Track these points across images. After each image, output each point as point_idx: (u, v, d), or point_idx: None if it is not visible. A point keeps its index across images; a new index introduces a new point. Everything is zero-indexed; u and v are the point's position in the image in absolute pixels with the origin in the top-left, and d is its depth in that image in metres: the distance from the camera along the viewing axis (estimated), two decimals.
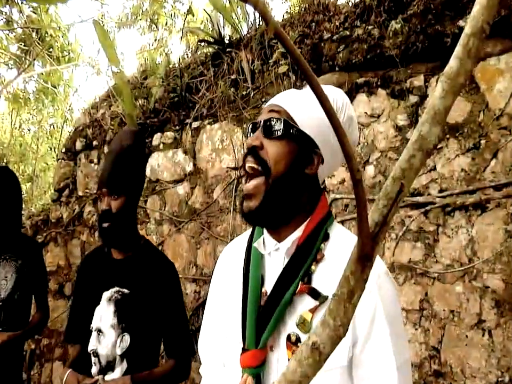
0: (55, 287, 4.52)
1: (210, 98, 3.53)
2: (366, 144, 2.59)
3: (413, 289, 2.36)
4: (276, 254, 1.04)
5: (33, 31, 6.95)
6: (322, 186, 1.10)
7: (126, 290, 1.78)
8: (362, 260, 0.42)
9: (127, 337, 1.74)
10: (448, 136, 2.31)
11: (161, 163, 3.74)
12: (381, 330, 0.91)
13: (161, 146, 3.78)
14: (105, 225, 1.76)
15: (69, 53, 7.73)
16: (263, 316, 0.96)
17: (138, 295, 1.78)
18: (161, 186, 3.73)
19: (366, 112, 2.60)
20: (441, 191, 2.32)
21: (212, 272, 1.22)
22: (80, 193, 4.51)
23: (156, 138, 3.83)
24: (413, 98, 2.44)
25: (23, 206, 2.80)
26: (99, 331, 1.75)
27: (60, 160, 4.88)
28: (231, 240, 3.04)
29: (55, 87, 7.84)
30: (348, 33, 2.78)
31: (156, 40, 6.39)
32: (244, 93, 3.33)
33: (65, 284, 4.52)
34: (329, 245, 1.01)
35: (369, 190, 2.51)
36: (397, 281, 2.40)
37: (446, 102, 0.41)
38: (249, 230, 1.17)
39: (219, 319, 1.11)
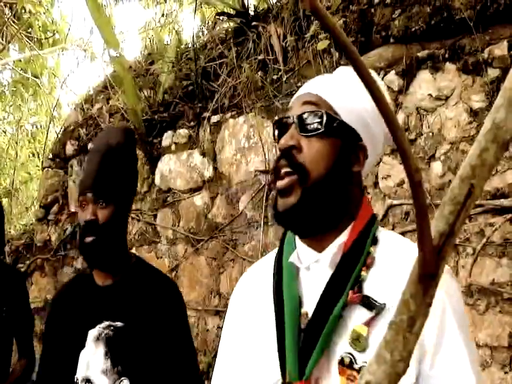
0: (41, 328, 4.65)
1: (232, 85, 3.64)
2: (431, 134, 2.63)
3: (499, 320, 2.37)
4: (316, 267, 1.09)
5: (5, 6, 7.13)
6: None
7: (119, 324, 1.78)
8: (425, 280, 0.43)
9: (126, 383, 1.75)
10: None
11: (174, 168, 3.87)
12: (453, 338, 0.97)
13: (173, 147, 3.91)
14: (88, 239, 1.77)
15: (54, 34, 7.95)
16: (306, 340, 1.02)
17: (135, 328, 1.78)
18: (174, 197, 3.85)
19: (430, 94, 2.64)
20: None
21: None
22: (72, 209, 4.65)
23: (167, 138, 3.96)
24: (493, 73, 2.45)
25: None
26: (87, 381, 1.74)
27: (45, 169, 5.06)
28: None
29: (37, 77, 8.05)
30: None
31: (163, 15, 6.54)
32: (275, 77, 3.42)
33: None
34: (379, 249, 1.07)
35: (436, 192, 2.55)
36: (477, 308, 2.42)
37: None
38: (274, 250, 1.24)
39: (241, 357, 1.16)
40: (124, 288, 1.85)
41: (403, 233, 2.60)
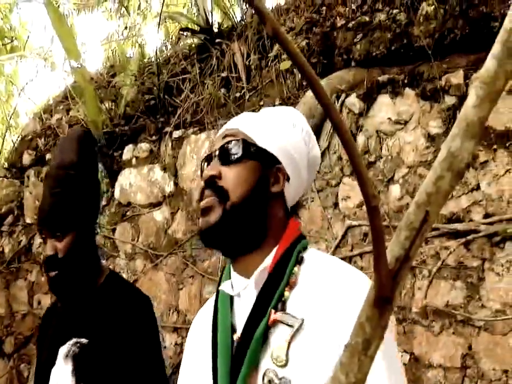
0: None
1: (195, 102, 3.64)
2: (390, 158, 2.69)
3: (452, 341, 2.42)
4: (246, 293, 1.14)
5: None
6: (290, 211, 1.25)
7: (84, 340, 1.78)
8: (381, 303, 0.43)
9: None
10: (495, 146, 2.38)
11: (134, 182, 3.84)
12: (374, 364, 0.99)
13: (133, 161, 3.88)
14: (52, 274, 1.77)
15: (12, 40, 7.82)
16: (235, 362, 1.07)
17: (99, 344, 1.78)
18: (133, 211, 3.82)
19: (389, 118, 2.70)
20: (487, 216, 2.39)
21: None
22: (28, 221, 4.57)
23: (128, 151, 3.93)
24: (450, 100, 2.53)
25: None
26: None
27: (1, 179, 4.94)
28: (220, 277, 3.12)
29: None
30: (368, 19, 2.91)
31: (126, 27, 6.51)
32: (238, 94, 3.44)
33: (4, 338, 4.53)
34: (304, 269, 1.12)
35: (394, 215, 2.59)
36: (431, 330, 2.46)
37: (481, 112, 0.42)
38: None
39: None
40: (92, 304, 1.84)
41: (361, 254, 2.65)
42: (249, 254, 1.15)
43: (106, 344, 1.79)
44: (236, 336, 1.10)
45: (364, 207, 2.70)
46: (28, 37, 7.94)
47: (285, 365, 1.01)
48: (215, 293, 1.31)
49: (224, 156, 1.16)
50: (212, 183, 1.14)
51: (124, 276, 3.72)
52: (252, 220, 1.13)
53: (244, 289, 1.14)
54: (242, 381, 1.04)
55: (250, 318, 1.08)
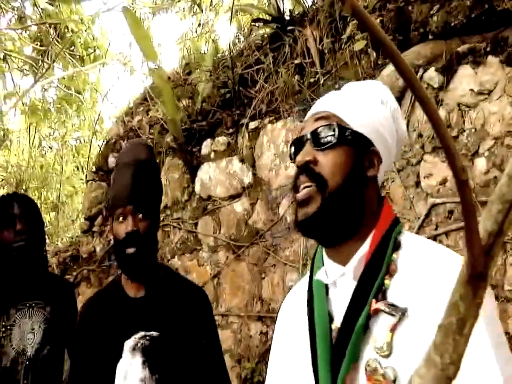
0: None
1: (270, 91, 3.67)
2: (473, 130, 2.59)
3: None
4: (342, 282, 1.14)
5: (50, 27, 7.38)
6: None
7: (154, 333, 1.83)
8: (475, 280, 0.42)
9: None
10: None
11: (213, 176, 3.92)
12: (479, 341, 0.95)
13: (212, 155, 3.96)
14: (130, 250, 1.81)
15: (95, 50, 8.18)
16: (336, 352, 1.06)
17: (171, 337, 1.84)
18: (214, 204, 3.89)
19: (472, 89, 2.60)
20: None
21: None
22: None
23: (206, 146, 4.02)
24: None
25: (47, 240, 2.92)
26: None
27: (89, 182, 5.19)
28: (303, 265, 3.12)
29: (80, 93, 8.30)
30: None
31: (199, 24, 6.64)
32: (312, 80, 3.43)
33: None
34: (402, 255, 1.10)
35: (480, 190, 2.50)
36: None
37: None
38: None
39: (287, 376, 1.23)
40: (157, 299, 1.91)
41: (447, 232, 2.57)
42: (346, 241, 1.14)
43: (175, 337, 1.85)
44: (334, 325, 1.10)
45: (447, 184, 2.63)
46: (109, 44, 8.27)
47: (389, 355, 1.01)
48: (302, 279, 1.33)
49: (318, 141, 1.16)
50: (307, 169, 1.14)
51: (208, 268, 3.82)
52: (350, 208, 1.13)
53: (340, 277, 1.14)
54: (345, 371, 1.04)
55: (350, 308, 1.07)
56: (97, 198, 5.02)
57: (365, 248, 1.11)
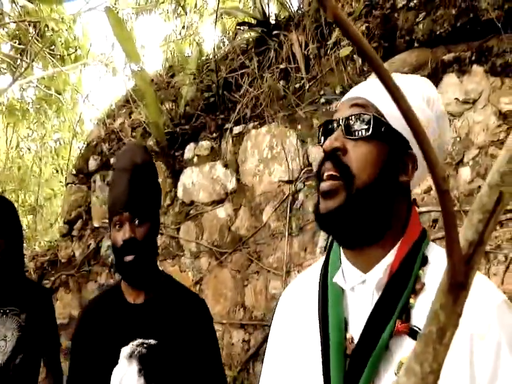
0: (66, 344, 4.68)
1: (254, 96, 3.65)
2: (458, 139, 2.60)
3: None
4: (361, 289, 1.07)
5: (30, 25, 7.28)
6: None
7: (152, 341, 1.82)
8: (455, 289, 0.43)
9: None
10: None
11: (196, 181, 3.89)
12: (509, 369, 0.93)
13: (195, 159, 3.94)
14: (128, 258, 1.81)
15: (76, 50, 8.09)
16: (352, 366, 1.01)
17: (168, 346, 1.82)
18: (197, 209, 3.87)
19: (457, 98, 2.62)
20: None
21: (264, 315, 1.29)
22: (96, 224, 4.72)
23: (189, 150, 3.99)
24: None
25: (25, 244, 2.87)
26: None
27: (69, 185, 5.14)
28: (286, 273, 3.11)
29: (60, 94, 8.21)
30: None
31: (183, 27, 6.62)
32: (297, 85, 3.43)
33: None
34: (429, 271, 1.04)
35: (465, 199, 2.51)
36: None
37: None
38: (318, 262, 1.22)
39: (285, 377, 1.16)
40: (156, 306, 1.89)
41: (431, 241, 2.57)
42: (369, 246, 1.08)
43: (173, 345, 1.84)
44: (349, 334, 1.05)
45: (432, 193, 2.63)
46: (90, 45, 8.20)
47: None
48: (309, 269, 1.27)
49: (350, 129, 1.07)
50: (334, 156, 1.06)
51: (190, 274, 3.79)
52: (377, 210, 1.05)
53: (360, 284, 1.08)
54: None
55: (371, 323, 1.02)
56: (77, 201, 4.97)
57: (390, 259, 1.05)
